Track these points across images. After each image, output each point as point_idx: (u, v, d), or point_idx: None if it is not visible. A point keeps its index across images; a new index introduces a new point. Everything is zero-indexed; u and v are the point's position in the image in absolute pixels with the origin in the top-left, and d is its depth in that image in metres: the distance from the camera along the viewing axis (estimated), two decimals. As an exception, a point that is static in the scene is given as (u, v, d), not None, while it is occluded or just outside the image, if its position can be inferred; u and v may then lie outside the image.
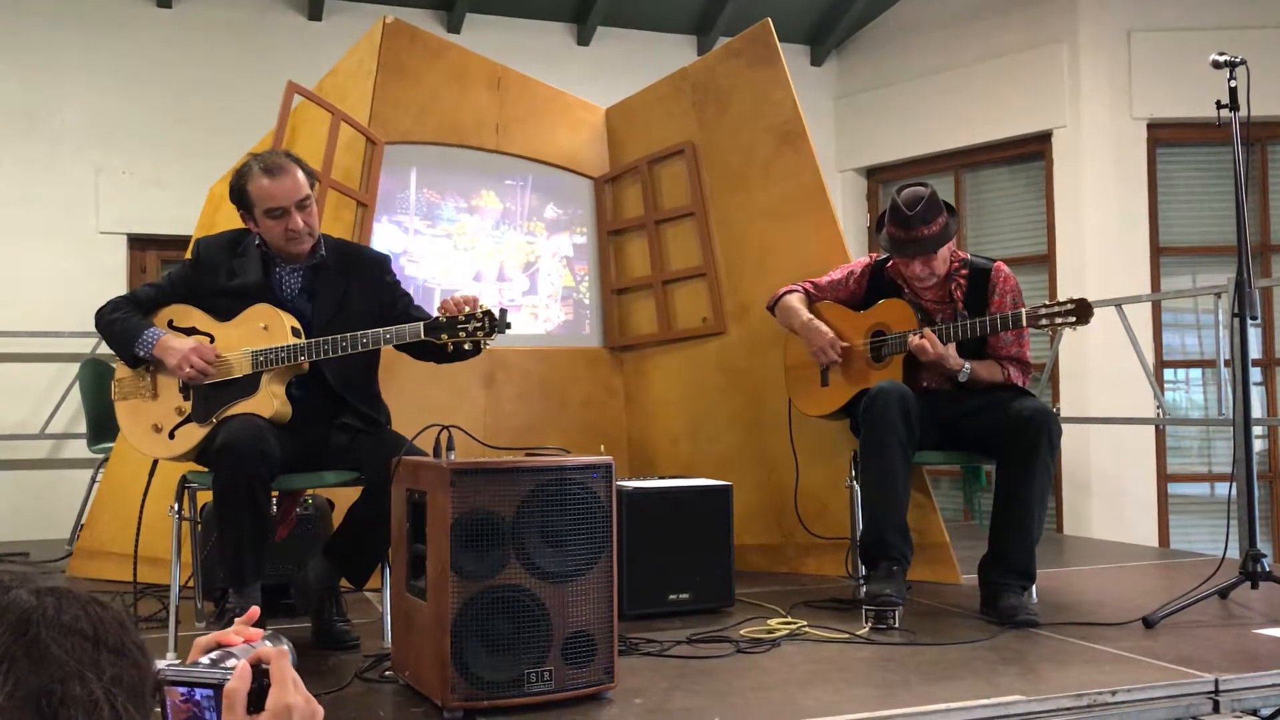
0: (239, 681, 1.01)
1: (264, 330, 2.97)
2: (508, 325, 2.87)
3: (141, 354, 3.00)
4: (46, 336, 5.96)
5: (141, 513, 3.17)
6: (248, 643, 1.09)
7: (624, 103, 5.07)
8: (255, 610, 1.17)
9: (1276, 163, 6.57)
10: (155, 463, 3.15)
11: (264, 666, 1.04)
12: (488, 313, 2.84)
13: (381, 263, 3.27)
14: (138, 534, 3.19)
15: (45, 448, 6.14)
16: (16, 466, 6.08)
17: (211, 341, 3.01)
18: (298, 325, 3.00)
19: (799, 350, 3.88)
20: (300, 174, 3.04)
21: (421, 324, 2.89)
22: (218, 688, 1.01)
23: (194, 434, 2.97)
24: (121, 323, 3.03)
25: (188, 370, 2.94)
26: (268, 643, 1.09)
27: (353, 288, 3.14)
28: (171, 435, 3.01)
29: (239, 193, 3.04)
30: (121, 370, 3.12)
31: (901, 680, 2.59)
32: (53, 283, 6.04)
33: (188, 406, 3.00)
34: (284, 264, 3.11)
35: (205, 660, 1.06)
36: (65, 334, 5.88)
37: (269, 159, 3.05)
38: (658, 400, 4.85)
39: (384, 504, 2.79)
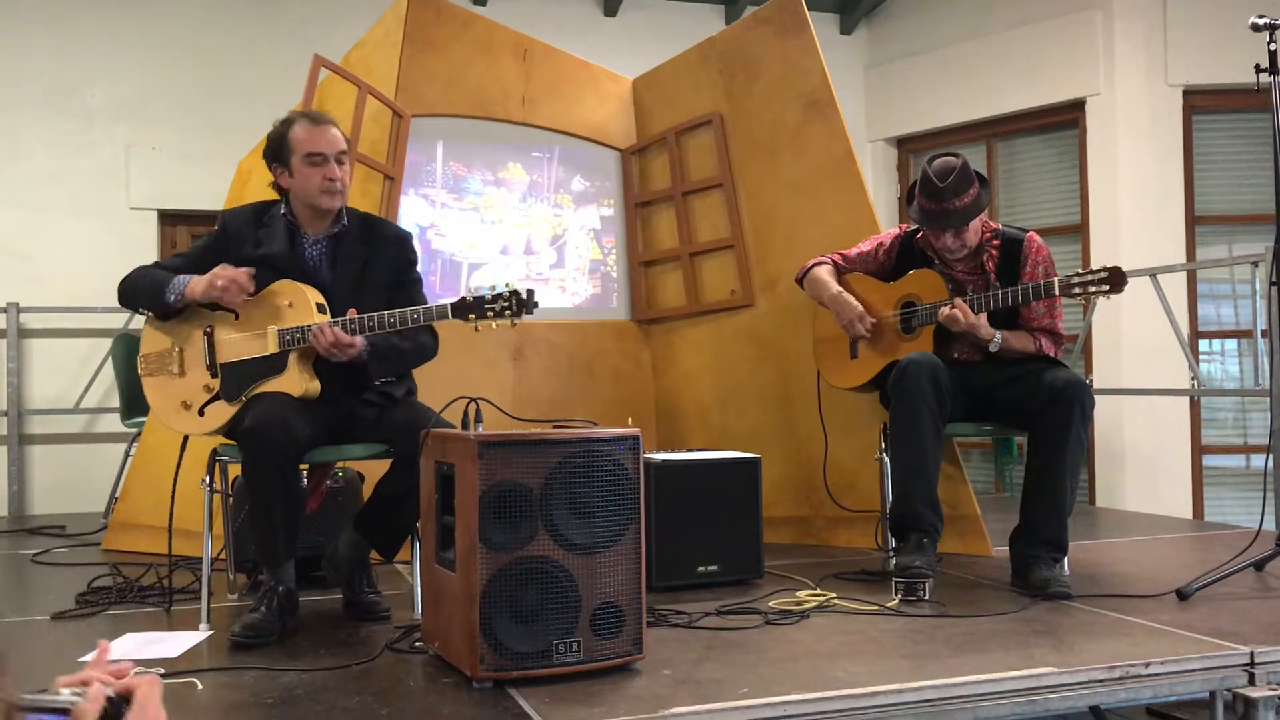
0: (90, 704, 0.99)
1: (289, 307, 2.97)
2: (535, 304, 2.85)
3: (173, 298, 3.00)
4: (79, 312, 6.02)
5: (175, 488, 3.19)
6: (117, 678, 1.06)
7: (651, 73, 5.04)
8: (105, 645, 1.14)
9: (1316, 129, 6.44)
10: (186, 438, 3.17)
11: (124, 695, 1.01)
12: (514, 292, 2.83)
13: (403, 238, 3.27)
14: (171, 508, 3.21)
15: (80, 422, 6.21)
16: (52, 441, 6.16)
17: (236, 318, 3.01)
18: (322, 300, 3.00)
19: (828, 322, 3.85)
20: (338, 131, 3.11)
21: (449, 304, 2.88)
22: (66, 712, 0.99)
23: (224, 411, 2.99)
24: (150, 277, 3.04)
25: (220, 284, 2.92)
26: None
27: (373, 259, 3.14)
28: (201, 412, 3.02)
29: (279, 141, 3.05)
30: (147, 346, 3.13)
31: (931, 652, 2.58)
32: (84, 258, 6.09)
33: (216, 384, 3.01)
34: (307, 234, 3.12)
35: (66, 692, 1.04)
36: (98, 309, 5.92)
37: (310, 111, 3.12)
38: (686, 373, 4.84)
39: (412, 476, 2.79)
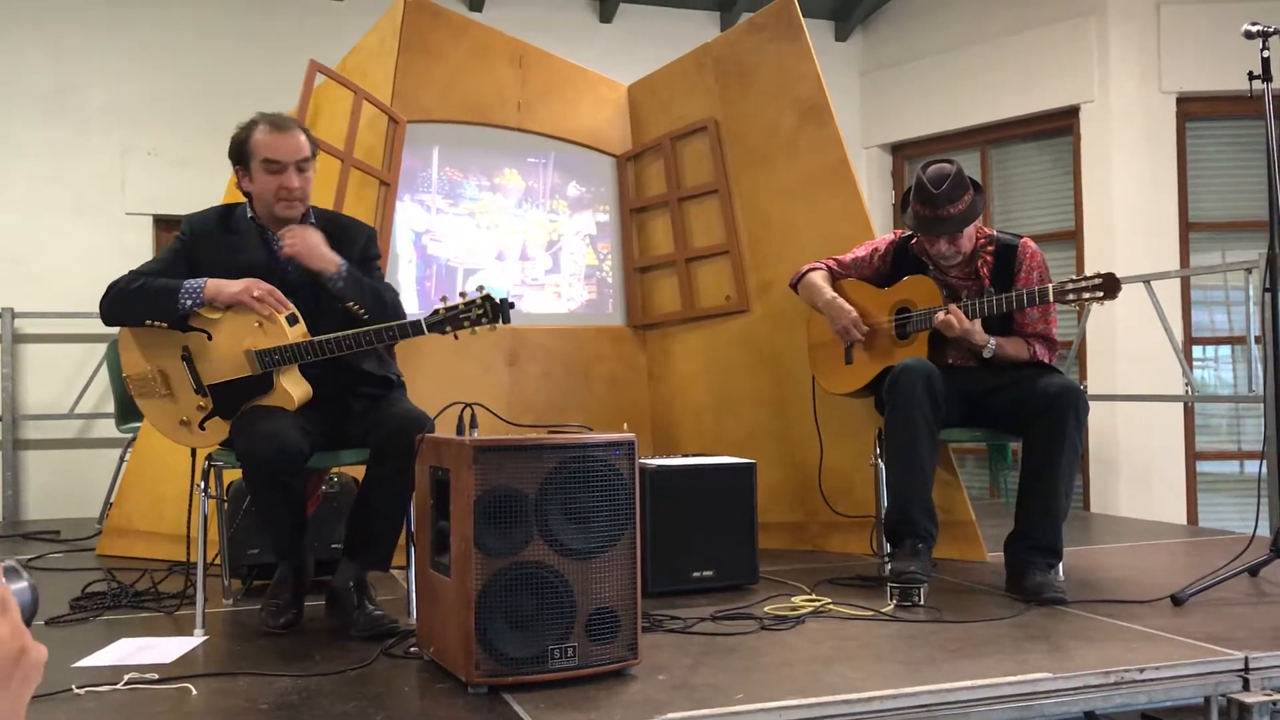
0: None
1: (258, 327, 2.89)
2: (512, 305, 2.83)
3: (189, 303, 2.90)
4: (74, 317, 6.01)
5: (191, 501, 3.16)
6: None
7: (646, 79, 5.05)
8: None
9: (1309, 136, 6.46)
10: (194, 451, 3.16)
11: None
12: (487, 297, 2.80)
13: (370, 236, 3.23)
14: (189, 517, 3.17)
15: (74, 427, 6.20)
16: (46, 446, 6.15)
17: (210, 339, 2.93)
18: (294, 311, 2.93)
19: (823, 328, 3.86)
20: (303, 137, 3.02)
21: (423, 320, 2.85)
22: None
23: (223, 426, 2.97)
24: (149, 287, 2.93)
25: (257, 293, 2.86)
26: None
27: (340, 254, 3.07)
28: (202, 427, 2.99)
29: (240, 145, 3.01)
30: (128, 367, 3.06)
31: (927, 658, 2.58)
32: (80, 263, 6.08)
33: (209, 403, 2.96)
34: (275, 235, 3.05)
35: None
36: (93, 314, 5.86)
37: (275, 116, 3.03)
38: (681, 378, 4.84)
39: (388, 469, 2.84)
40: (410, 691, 2.41)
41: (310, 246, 2.94)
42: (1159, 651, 2.58)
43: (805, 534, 4.36)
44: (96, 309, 3.01)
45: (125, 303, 2.97)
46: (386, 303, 3.04)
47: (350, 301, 2.98)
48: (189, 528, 3.20)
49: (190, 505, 3.17)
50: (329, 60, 4.32)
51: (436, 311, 2.85)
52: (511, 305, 2.84)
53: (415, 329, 2.87)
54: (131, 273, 3.03)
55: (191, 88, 6.42)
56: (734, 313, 4.64)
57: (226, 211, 3.12)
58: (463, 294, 2.87)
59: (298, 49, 5.56)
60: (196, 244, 3.05)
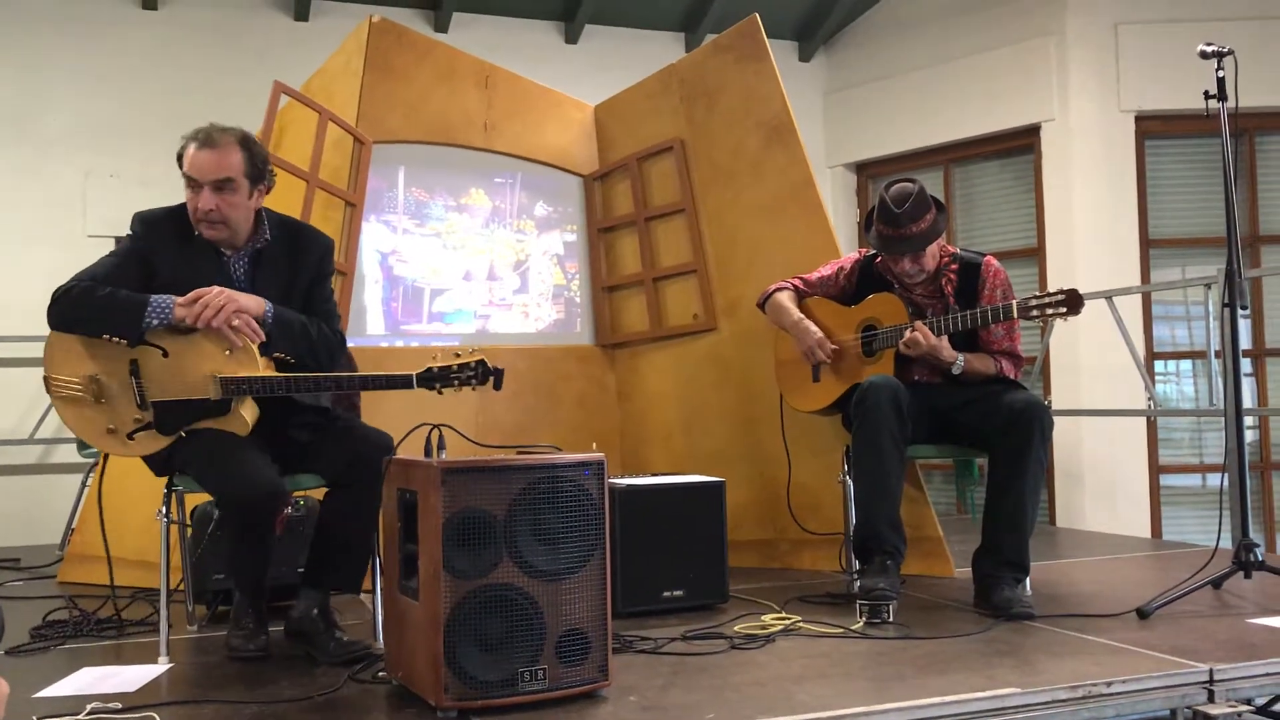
0: None
1: (227, 355, 2.82)
2: (500, 370, 2.77)
3: (156, 323, 2.79)
4: (35, 341, 5.90)
5: (100, 501, 3.10)
6: None
7: (612, 100, 5.07)
8: None
9: (1264, 153, 6.58)
10: (106, 456, 3.07)
11: None
12: (481, 363, 2.77)
13: (326, 251, 3.13)
14: (102, 525, 3.11)
15: (35, 453, 6.11)
16: (6, 472, 6.05)
17: (165, 355, 2.83)
18: (264, 339, 2.87)
19: (790, 346, 3.87)
20: (235, 156, 2.88)
21: (414, 374, 2.79)
22: None
23: (156, 441, 2.87)
24: (115, 295, 2.80)
25: (236, 323, 2.77)
26: None
27: (297, 269, 3.03)
28: (131, 437, 2.88)
29: (177, 157, 2.92)
30: (55, 368, 2.92)
31: (896, 674, 2.59)
32: (40, 286, 5.94)
33: (147, 417, 2.86)
34: (229, 250, 2.97)
35: None
36: (54, 338, 5.83)
37: (208, 131, 2.89)
38: (650, 397, 4.84)
39: (356, 494, 2.83)
40: (378, 716, 2.39)
41: (227, 311, 2.80)
42: (1125, 665, 2.60)
43: (775, 552, 4.36)
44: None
45: (85, 311, 2.83)
46: (321, 362, 2.96)
47: (275, 352, 2.91)
48: (103, 530, 3.12)
49: (100, 507, 3.10)
50: (294, 81, 4.31)
51: (429, 369, 2.78)
52: (501, 372, 2.78)
53: (405, 382, 2.80)
54: (87, 277, 2.89)
55: (155, 110, 6.37)
56: (702, 331, 4.65)
57: (178, 214, 2.97)
58: (457, 354, 2.81)
59: (262, 70, 5.54)
60: (148, 242, 2.96)
